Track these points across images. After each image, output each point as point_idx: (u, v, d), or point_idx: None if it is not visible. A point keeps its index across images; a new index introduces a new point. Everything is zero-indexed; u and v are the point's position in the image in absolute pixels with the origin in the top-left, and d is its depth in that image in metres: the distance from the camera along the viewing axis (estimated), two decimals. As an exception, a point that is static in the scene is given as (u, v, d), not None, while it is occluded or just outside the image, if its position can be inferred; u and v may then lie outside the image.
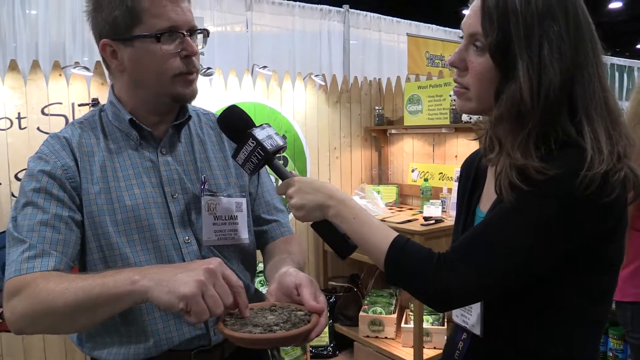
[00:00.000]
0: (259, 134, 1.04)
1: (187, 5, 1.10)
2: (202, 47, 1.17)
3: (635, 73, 7.48)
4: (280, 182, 1.09)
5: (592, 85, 0.88)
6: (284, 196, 1.09)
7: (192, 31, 1.11)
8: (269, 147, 1.03)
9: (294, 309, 0.96)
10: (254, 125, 1.07)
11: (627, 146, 0.87)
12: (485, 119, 1.06)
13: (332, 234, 1.04)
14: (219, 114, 1.20)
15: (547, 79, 0.85)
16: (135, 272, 0.91)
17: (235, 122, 1.08)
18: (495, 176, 0.93)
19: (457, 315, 1.07)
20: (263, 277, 2.99)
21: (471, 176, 1.13)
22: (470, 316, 1.02)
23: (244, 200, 1.24)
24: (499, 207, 0.90)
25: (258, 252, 1.34)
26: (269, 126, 1.08)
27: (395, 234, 0.97)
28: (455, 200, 3.26)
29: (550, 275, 0.89)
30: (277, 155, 1.09)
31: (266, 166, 1.10)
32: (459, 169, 3.52)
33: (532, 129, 0.87)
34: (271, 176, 1.39)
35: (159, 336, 1.10)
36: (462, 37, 0.97)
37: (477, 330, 1.01)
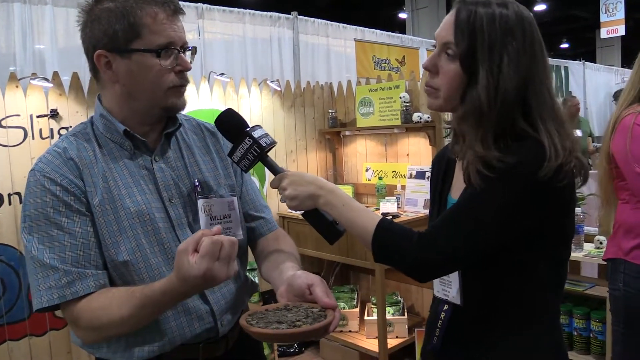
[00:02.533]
0: (255, 133, 1.14)
1: (181, 24, 1.18)
2: (191, 62, 1.24)
3: (562, 72, 8.03)
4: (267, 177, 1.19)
5: (543, 94, 1.05)
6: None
7: (184, 48, 1.19)
8: (264, 145, 1.13)
9: (307, 306, 1.05)
10: (248, 126, 1.17)
11: (573, 142, 1.05)
12: (452, 117, 1.21)
13: (322, 221, 1.15)
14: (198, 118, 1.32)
15: (504, 86, 1.02)
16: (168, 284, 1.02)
17: (232, 123, 1.18)
18: (463, 167, 1.08)
19: (438, 290, 1.21)
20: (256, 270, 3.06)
21: (442, 168, 1.28)
22: (450, 289, 1.16)
23: (235, 199, 1.31)
24: (468, 192, 1.06)
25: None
26: (260, 127, 1.18)
27: (380, 217, 1.11)
28: (409, 197, 3.46)
29: (519, 247, 1.05)
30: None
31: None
32: (411, 167, 3.69)
33: (490, 126, 1.03)
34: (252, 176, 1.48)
35: (172, 334, 1.16)
36: (434, 46, 1.11)
37: (457, 301, 1.15)
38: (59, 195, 1.11)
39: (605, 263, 2.15)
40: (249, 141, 1.13)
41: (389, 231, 1.08)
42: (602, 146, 2.07)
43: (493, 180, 1.00)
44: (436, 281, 1.22)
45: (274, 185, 1.18)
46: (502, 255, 1.06)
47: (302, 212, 1.16)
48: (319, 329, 0.97)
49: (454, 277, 1.15)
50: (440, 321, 1.18)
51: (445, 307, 1.18)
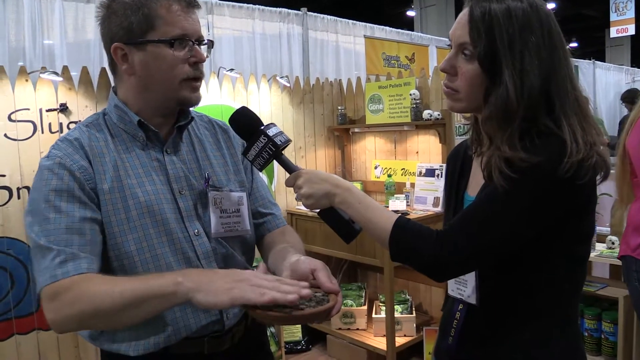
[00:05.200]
0: (270, 131, 1.13)
1: (196, 16, 1.19)
2: (207, 56, 1.24)
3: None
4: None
5: (565, 85, 1.02)
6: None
7: (199, 41, 1.19)
8: (279, 143, 1.12)
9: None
10: (262, 124, 1.16)
11: (595, 135, 1.01)
12: (471, 115, 1.19)
13: (338, 219, 1.13)
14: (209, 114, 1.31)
15: (529, 83, 0.99)
16: (178, 274, 0.99)
17: (246, 121, 1.17)
18: (483, 166, 1.05)
19: (453, 289, 1.19)
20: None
21: (458, 165, 1.25)
22: (465, 288, 1.14)
23: (244, 194, 1.32)
24: (489, 189, 1.02)
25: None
26: (275, 125, 1.17)
27: (397, 215, 1.08)
28: (419, 195, 3.43)
29: (538, 245, 1.02)
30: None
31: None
32: (421, 164, 3.67)
33: (517, 125, 1.00)
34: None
35: (177, 324, 1.16)
36: (449, 45, 1.09)
37: (472, 300, 1.13)
38: (66, 180, 1.11)
39: (618, 263, 2.15)
40: (264, 139, 1.12)
41: (406, 230, 1.05)
42: (618, 145, 2.07)
43: (515, 180, 0.97)
44: (451, 280, 1.19)
45: (289, 183, 1.16)
46: (519, 254, 1.03)
47: (318, 210, 1.15)
48: (322, 311, 0.97)
49: (469, 276, 1.13)
50: (455, 321, 1.16)
51: (460, 307, 1.16)
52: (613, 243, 2.85)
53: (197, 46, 1.17)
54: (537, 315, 1.07)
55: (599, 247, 2.92)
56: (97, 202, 1.14)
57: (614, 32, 9.84)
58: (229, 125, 1.25)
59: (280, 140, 1.12)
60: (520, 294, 1.08)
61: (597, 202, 1.09)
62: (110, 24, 1.15)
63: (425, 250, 1.02)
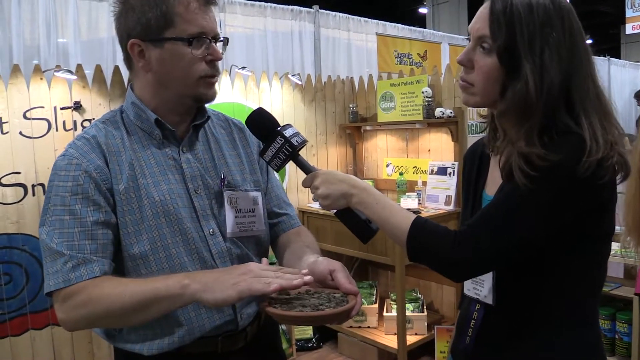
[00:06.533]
0: (286, 132, 1.13)
1: (213, 14, 1.18)
2: (223, 53, 1.24)
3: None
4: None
5: (586, 83, 1.01)
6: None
7: (216, 38, 1.18)
8: (295, 144, 1.12)
9: (329, 292, 1.05)
10: (279, 125, 1.16)
11: (617, 135, 1.00)
12: (488, 111, 1.18)
13: (355, 220, 1.13)
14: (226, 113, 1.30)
15: (549, 79, 0.98)
16: (184, 277, 1.01)
17: (263, 122, 1.17)
18: (502, 164, 1.04)
19: (469, 289, 1.18)
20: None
21: (475, 164, 1.24)
22: (482, 288, 1.13)
23: (259, 194, 1.32)
24: (508, 188, 1.02)
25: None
26: (291, 126, 1.17)
27: (415, 215, 1.08)
28: (430, 193, 3.42)
29: (556, 245, 1.01)
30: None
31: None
32: (433, 162, 3.65)
33: (535, 121, 0.99)
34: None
35: (191, 324, 1.16)
36: (467, 39, 1.08)
37: (489, 300, 1.12)
38: (81, 181, 1.11)
39: (633, 263, 2.09)
40: (281, 140, 1.12)
41: (424, 230, 1.05)
42: (634, 158, 1.97)
43: (536, 178, 0.96)
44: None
45: (305, 184, 1.16)
46: (538, 254, 1.02)
47: (335, 211, 1.15)
48: (342, 312, 0.97)
49: (486, 276, 1.12)
50: (472, 321, 1.15)
51: (478, 307, 1.16)
52: (629, 243, 2.81)
53: (213, 44, 1.17)
54: (555, 316, 1.06)
55: (614, 246, 2.88)
56: (112, 202, 1.14)
57: (629, 29, 9.69)
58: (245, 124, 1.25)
59: (296, 141, 1.13)
60: (538, 294, 1.07)
61: (616, 201, 1.08)
62: (127, 19, 1.15)
63: (443, 251, 1.02)
